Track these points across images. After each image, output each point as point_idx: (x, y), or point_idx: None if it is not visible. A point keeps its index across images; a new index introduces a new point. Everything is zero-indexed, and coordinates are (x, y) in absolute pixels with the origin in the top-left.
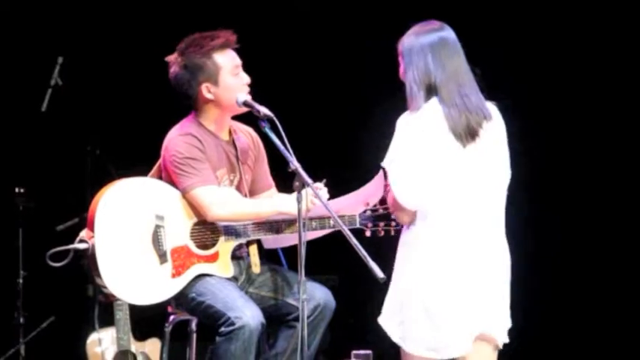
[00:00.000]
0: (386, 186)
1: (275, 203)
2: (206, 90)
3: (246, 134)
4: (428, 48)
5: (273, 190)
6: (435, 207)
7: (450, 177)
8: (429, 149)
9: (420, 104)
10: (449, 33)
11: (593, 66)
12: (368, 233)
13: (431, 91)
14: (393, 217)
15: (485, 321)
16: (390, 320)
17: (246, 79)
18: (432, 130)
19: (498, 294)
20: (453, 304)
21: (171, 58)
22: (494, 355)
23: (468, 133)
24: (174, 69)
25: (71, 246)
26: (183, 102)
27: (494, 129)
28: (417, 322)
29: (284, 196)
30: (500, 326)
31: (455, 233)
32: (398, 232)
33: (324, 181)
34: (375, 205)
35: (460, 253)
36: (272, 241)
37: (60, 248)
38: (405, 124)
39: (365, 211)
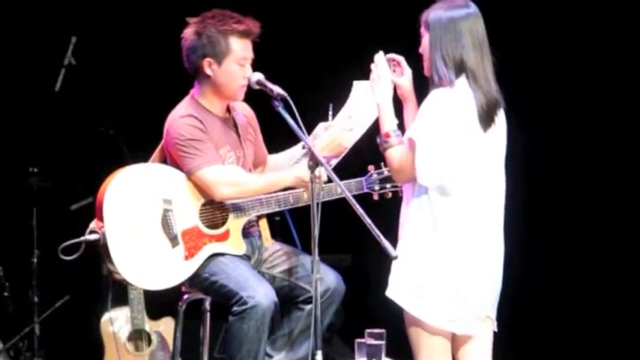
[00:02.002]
0: (385, 150)
1: (282, 176)
2: (207, 65)
3: (242, 109)
4: (459, 24)
5: (268, 158)
6: (454, 188)
7: (471, 160)
8: (458, 130)
9: (452, 80)
10: (477, 12)
11: (589, 65)
12: (376, 197)
13: (460, 69)
14: None
15: (491, 303)
16: (404, 294)
17: (248, 73)
18: (463, 111)
19: (500, 279)
20: (472, 283)
21: (192, 19)
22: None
23: (489, 118)
24: (189, 30)
25: (82, 238)
26: (185, 66)
27: (502, 118)
28: (439, 295)
29: (289, 169)
30: (495, 311)
31: (475, 215)
32: None
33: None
34: (379, 168)
35: (478, 234)
36: None
37: (71, 242)
38: (438, 99)
39: (370, 175)
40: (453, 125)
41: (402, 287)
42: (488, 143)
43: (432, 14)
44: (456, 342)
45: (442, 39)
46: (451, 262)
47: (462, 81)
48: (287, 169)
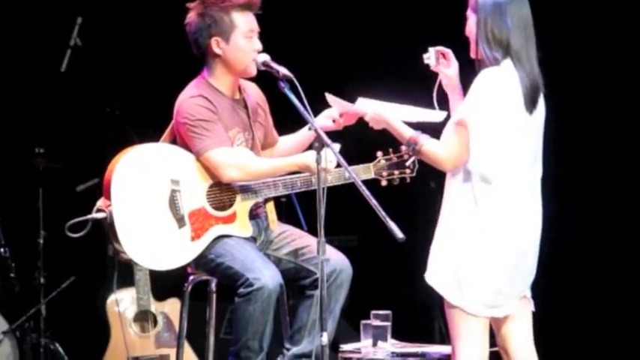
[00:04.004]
0: (419, 151)
1: (290, 162)
2: (215, 44)
3: (253, 91)
4: (506, 8)
5: (278, 140)
6: (498, 172)
7: (516, 143)
8: (506, 110)
9: (498, 60)
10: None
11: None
12: (384, 183)
13: (505, 51)
14: (407, 164)
15: (528, 283)
16: (444, 281)
17: (257, 45)
18: (510, 91)
19: (536, 260)
20: (512, 266)
21: (192, 4)
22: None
23: (533, 101)
24: (191, 14)
25: (89, 216)
26: (193, 51)
27: (542, 103)
28: (479, 282)
29: (297, 155)
30: (530, 290)
31: (518, 199)
32: (413, 181)
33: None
34: (387, 154)
35: (519, 219)
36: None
37: (78, 219)
38: (487, 79)
39: (378, 160)
40: (502, 105)
41: (441, 274)
42: (531, 127)
43: None
44: (496, 324)
45: (488, 20)
46: (492, 247)
47: (508, 62)
48: (295, 155)
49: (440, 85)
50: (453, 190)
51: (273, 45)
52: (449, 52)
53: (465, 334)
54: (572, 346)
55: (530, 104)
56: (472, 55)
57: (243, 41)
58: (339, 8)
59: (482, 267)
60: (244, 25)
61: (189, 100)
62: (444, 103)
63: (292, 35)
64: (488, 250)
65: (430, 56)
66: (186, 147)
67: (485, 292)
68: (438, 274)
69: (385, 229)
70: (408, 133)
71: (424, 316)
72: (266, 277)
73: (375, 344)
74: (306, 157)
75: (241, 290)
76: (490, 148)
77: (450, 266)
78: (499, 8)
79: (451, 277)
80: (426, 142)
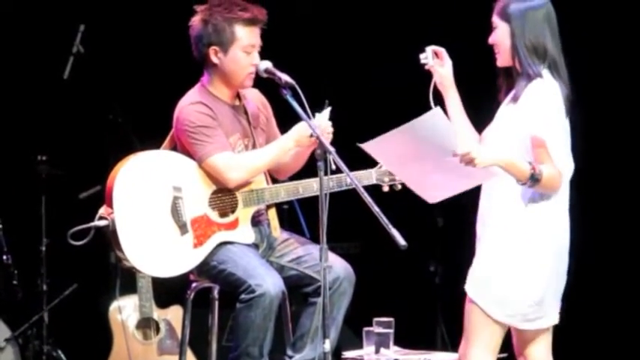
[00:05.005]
0: (539, 181)
1: (281, 143)
2: (213, 53)
3: (254, 97)
4: (540, 14)
5: None
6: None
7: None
8: (564, 120)
9: (540, 71)
10: (549, 1)
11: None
12: (386, 188)
13: (543, 58)
14: None
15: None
16: (485, 296)
17: (256, 60)
18: (561, 101)
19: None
20: (557, 280)
21: (199, 7)
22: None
23: (570, 109)
24: (196, 18)
25: (91, 224)
26: (194, 55)
27: None
28: (523, 301)
29: (287, 133)
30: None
31: (563, 208)
32: None
33: (327, 102)
34: None
35: (566, 222)
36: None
37: (80, 227)
38: (543, 91)
39: (380, 167)
40: (561, 115)
41: (483, 289)
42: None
43: (511, 4)
44: (520, 334)
45: (525, 29)
46: (540, 263)
47: (546, 72)
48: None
49: (435, 85)
50: (503, 201)
51: (272, 47)
52: (442, 50)
53: (488, 337)
54: (574, 348)
55: (568, 112)
56: (499, 63)
57: (241, 55)
58: (339, 8)
59: (527, 275)
60: (246, 39)
61: (188, 107)
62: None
63: (292, 35)
64: (537, 264)
65: (427, 56)
66: (187, 154)
67: (530, 308)
68: (480, 288)
69: (388, 236)
70: (523, 167)
71: (427, 323)
72: (268, 283)
73: (377, 351)
74: (296, 128)
75: (243, 296)
76: (566, 155)
77: (495, 281)
78: (533, 15)
79: (495, 292)
80: (543, 169)
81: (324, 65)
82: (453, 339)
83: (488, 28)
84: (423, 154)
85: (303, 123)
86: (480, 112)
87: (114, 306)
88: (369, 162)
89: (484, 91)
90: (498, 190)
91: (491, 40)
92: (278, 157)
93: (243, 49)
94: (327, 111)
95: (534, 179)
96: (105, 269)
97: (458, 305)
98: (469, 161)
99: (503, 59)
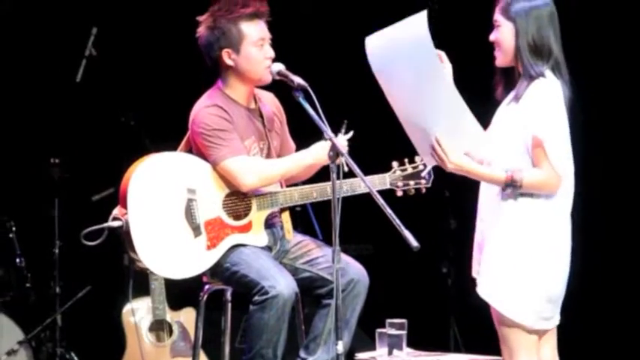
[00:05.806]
0: (521, 185)
1: (300, 156)
2: (226, 56)
3: (269, 100)
4: (545, 14)
5: (294, 149)
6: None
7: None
8: (566, 123)
9: (543, 71)
10: (553, 4)
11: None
12: (399, 193)
13: (547, 58)
14: (423, 174)
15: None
16: (500, 296)
17: (270, 53)
18: (562, 104)
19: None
20: (561, 277)
21: (202, 17)
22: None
23: (570, 109)
24: (201, 28)
25: (105, 224)
26: (207, 63)
27: None
28: (533, 295)
29: (311, 146)
30: None
31: (567, 208)
32: (428, 190)
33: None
34: (403, 165)
35: (567, 230)
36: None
37: (94, 227)
38: (545, 90)
39: (394, 171)
40: (563, 116)
41: (496, 289)
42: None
43: (516, 3)
44: None
45: (530, 29)
46: (546, 259)
47: (549, 72)
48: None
49: None
50: (505, 203)
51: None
52: (442, 53)
53: (527, 348)
54: (576, 349)
55: (569, 111)
56: (499, 63)
57: (254, 50)
58: (339, 9)
59: (536, 277)
60: (254, 34)
61: (204, 110)
62: None
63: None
64: (542, 260)
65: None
66: (203, 157)
67: (540, 303)
68: (493, 288)
69: (400, 238)
70: (497, 174)
71: (440, 325)
72: (281, 284)
73: (390, 353)
74: (318, 146)
75: (256, 298)
76: (566, 156)
77: (505, 279)
78: (538, 15)
79: (507, 291)
80: (525, 176)
81: (324, 65)
82: (465, 340)
83: (489, 28)
84: (409, 79)
85: (324, 142)
86: (480, 113)
87: (127, 308)
88: (383, 167)
89: (484, 94)
90: (497, 189)
91: (492, 38)
92: (294, 170)
93: (254, 44)
94: (348, 134)
95: (513, 186)
96: (118, 271)
97: (470, 307)
98: (439, 158)
99: (504, 58)
